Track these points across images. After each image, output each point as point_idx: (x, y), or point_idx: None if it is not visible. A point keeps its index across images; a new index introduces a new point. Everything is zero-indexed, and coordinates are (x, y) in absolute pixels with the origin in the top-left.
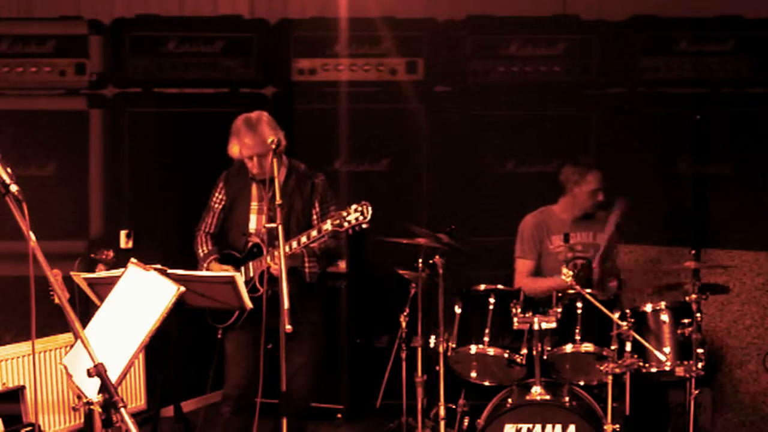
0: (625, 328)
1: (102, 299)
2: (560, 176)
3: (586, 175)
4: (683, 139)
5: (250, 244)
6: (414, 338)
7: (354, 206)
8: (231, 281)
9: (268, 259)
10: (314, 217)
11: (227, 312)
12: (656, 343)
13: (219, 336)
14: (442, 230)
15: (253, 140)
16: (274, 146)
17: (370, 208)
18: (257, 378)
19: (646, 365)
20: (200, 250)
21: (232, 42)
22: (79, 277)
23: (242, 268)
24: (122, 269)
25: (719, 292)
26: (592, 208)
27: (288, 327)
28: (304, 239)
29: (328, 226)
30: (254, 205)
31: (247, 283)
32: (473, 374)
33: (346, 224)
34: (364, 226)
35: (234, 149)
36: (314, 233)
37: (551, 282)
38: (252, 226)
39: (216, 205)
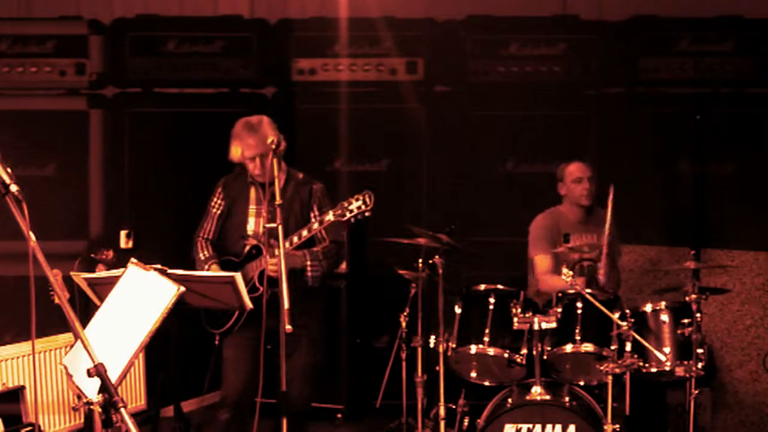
0: (625, 328)
1: (102, 299)
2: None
3: (566, 167)
4: (683, 139)
5: (248, 247)
6: (414, 338)
7: (356, 196)
8: (231, 281)
9: (267, 259)
10: (312, 220)
11: (223, 317)
12: (656, 343)
13: (216, 342)
14: (442, 230)
15: (255, 140)
16: (273, 146)
17: (372, 197)
18: (256, 381)
19: (646, 365)
20: (200, 255)
21: (232, 42)
22: (79, 277)
23: (241, 272)
24: (122, 269)
25: (719, 292)
26: (586, 200)
27: (288, 327)
28: (305, 233)
29: (330, 216)
30: (252, 208)
31: (246, 284)
32: (473, 374)
33: (348, 213)
34: (366, 214)
35: (236, 152)
36: (316, 226)
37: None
38: (250, 228)
39: (215, 210)
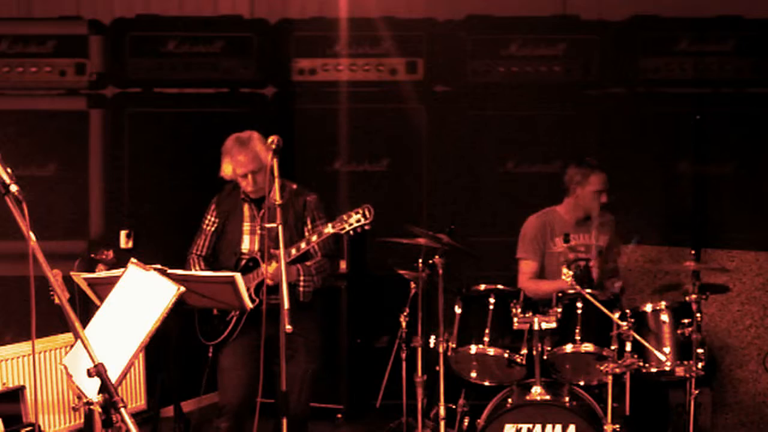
0: (625, 328)
1: (102, 299)
2: (564, 176)
3: (588, 176)
4: (683, 139)
5: (244, 260)
6: (414, 338)
7: (356, 209)
8: (231, 281)
9: (264, 267)
10: (306, 234)
11: (218, 328)
12: (656, 343)
13: (210, 354)
14: (442, 230)
15: (247, 157)
16: (274, 146)
17: (372, 210)
18: (255, 388)
19: (646, 365)
20: (193, 270)
21: (232, 42)
22: (79, 277)
23: None
24: (122, 269)
25: (719, 291)
26: (596, 210)
27: (288, 327)
28: (303, 245)
29: (329, 229)
30: (246, 225)
31: None
32: (473, 374)
33: (347, 226)
34: (366, 227)
35: (227, 169)
36: (314, 238)
37: (554, 285)
38: (245, 246)
39: (208, 228)
